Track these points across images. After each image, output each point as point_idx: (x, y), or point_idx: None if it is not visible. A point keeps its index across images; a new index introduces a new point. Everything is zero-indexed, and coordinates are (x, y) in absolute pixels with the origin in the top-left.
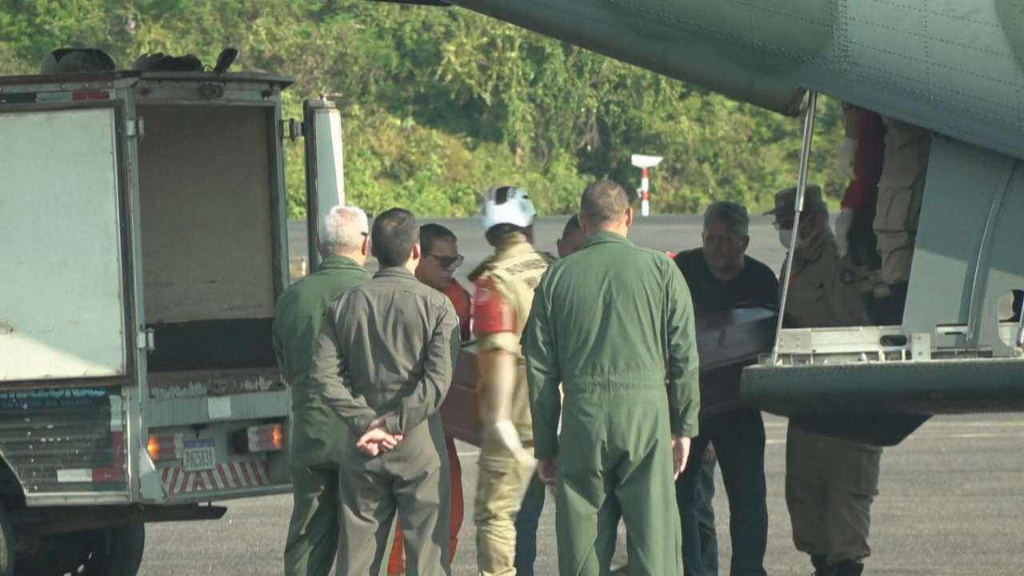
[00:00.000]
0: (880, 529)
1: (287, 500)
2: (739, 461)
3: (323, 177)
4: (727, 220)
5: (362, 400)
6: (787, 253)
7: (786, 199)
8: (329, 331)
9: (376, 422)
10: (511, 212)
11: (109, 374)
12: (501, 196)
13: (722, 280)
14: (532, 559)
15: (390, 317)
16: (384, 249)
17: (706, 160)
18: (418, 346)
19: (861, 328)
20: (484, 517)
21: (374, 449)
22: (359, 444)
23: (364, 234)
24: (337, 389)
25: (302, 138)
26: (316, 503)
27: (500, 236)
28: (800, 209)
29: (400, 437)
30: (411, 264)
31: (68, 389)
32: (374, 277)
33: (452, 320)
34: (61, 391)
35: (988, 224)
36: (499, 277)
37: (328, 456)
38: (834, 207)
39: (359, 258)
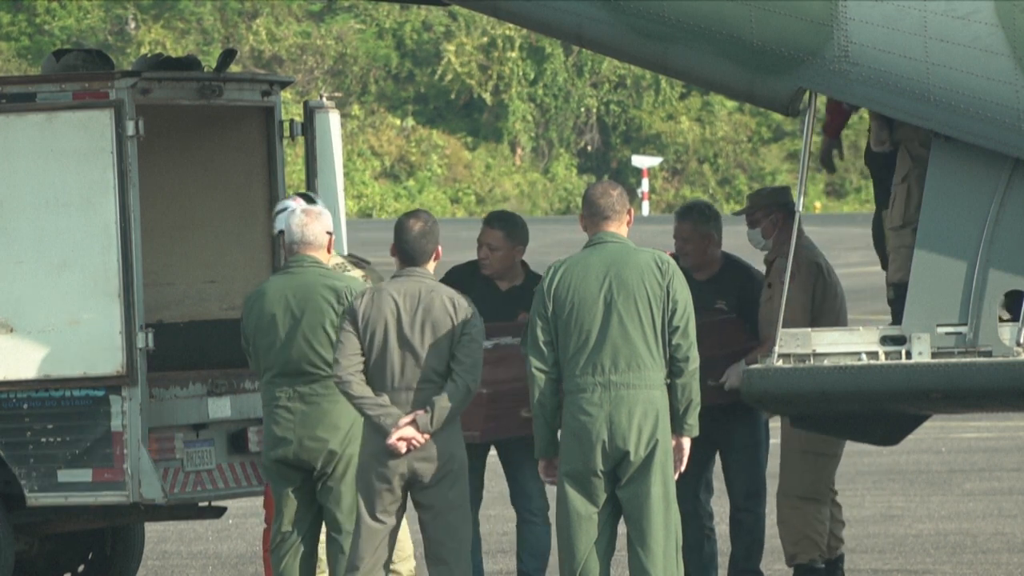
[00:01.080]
0: (880, 529)
1: None
2: (736, 463)
3: (323, 177)
4: (686, 220)
5: (386, 398)
6: (788, 256)
7: (750, 200)
8: (351, 329)
9: (406, 420)
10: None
11: (109, 374)
12: (309, 199)
13: (699, 280)
14: (476, 546)
15: (418, 316)
16: (409, 249)
17: (706, 160)
18: (445, 345)
19: (861, 328)
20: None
21: (403, 447)
22: (390, 442)
23: (329, 233)
24: (362, 387)
25: (302, 138)
26: (293, 500)
27: None
28: (800, 210)
29: (427, 436)
30: (431, 266)
31: (68, 389)
32: (393, 277)
33: (478, 321)
34: (61, 391)
35: (988, 224)
36: None
37: (295, 454)
38: (834, 207)
39: (324, 257)
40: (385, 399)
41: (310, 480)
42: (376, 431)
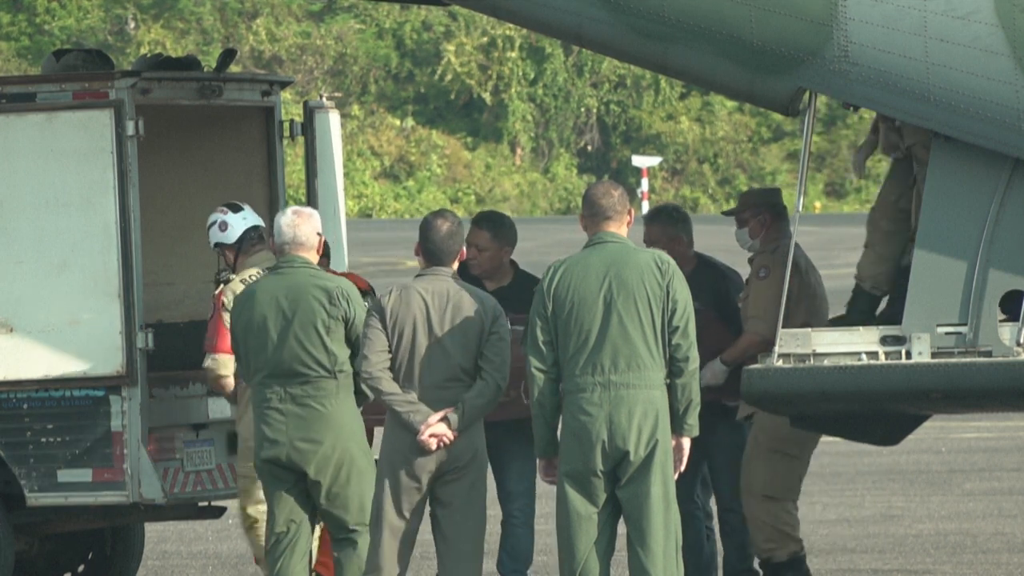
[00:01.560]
0: (880, 529)
1: None
2: (720, 463)
3: (323, 177)
4: (655, 223)
5: (414, 396)
6: (788, 256)
7: (740, 199)
8: (378, 326)
9: (436, 417)
10: (253, 217)
11: (109, 374)
12: (235, 207)
13: None
14: None
15: (447, 315)
16: (435, 249)
17: (706, 160)
18: (474, 344)
19: (861, 328)
20: (249, 523)
21: (433, 444)
22: (421, 439)
23: (319, 234)
24: (391, 384)
25: (302, 138)
26: (287, 501)
27: (245, 245)
28: (799, 209)
29: (456, 434)
30: (455, 266)
31: (68, 389)
32: (417, 276)
33: (505, 320)
34: (61, 391)
35: (988, 224)
36: (232, 292)
37: (288, 455)
38: (834, 207)
39: (314, 257)
40: (413, 396)
41: (303, 481)
42: (402, 428)
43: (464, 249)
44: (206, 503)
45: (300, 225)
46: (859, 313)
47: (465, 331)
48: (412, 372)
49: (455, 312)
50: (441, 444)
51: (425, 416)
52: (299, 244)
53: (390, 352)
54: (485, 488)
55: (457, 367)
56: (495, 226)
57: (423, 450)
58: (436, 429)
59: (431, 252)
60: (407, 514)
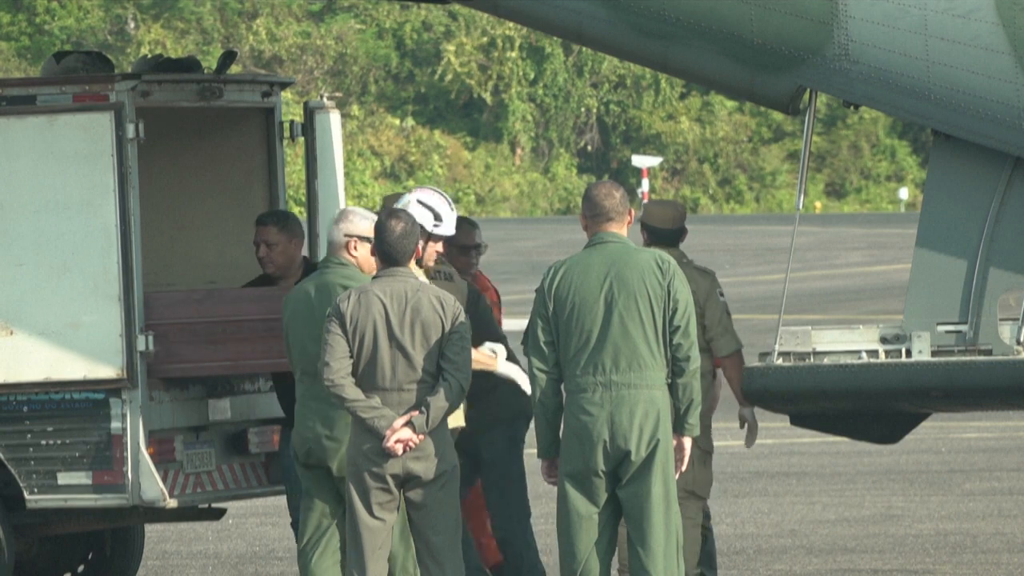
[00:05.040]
0: (880, 529)
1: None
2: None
3: (323, 177)
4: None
5: (377, 400)
6: (788, 257)
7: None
8: (339, 332)
9: (401, 422)
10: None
11: (109, 377)
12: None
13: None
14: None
15: (407, 316)
16: (391, 250)
17: (706, 160)
18: (434, 345)
19: (861, 326)
20: None
21: (400, 450)
22: (387, 445)
23: (348, 235)
24: (355, 390)
25: (302, 139)
26: (320, 497)
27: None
28: (800, 208)
29: (422, 436)
30: (412, 264)
31: (68, 392)
32: (375, 278)
33: (465, 318)
34: (61, 394)
35: (988, 223)
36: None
37: (312, 449)
38: (834, 207)
39: (348, 258)
40: (377, 401)
41: (330, 478)
42: (368, 432)
43: (420, 247)
44: (206, 505)
45: (333, 227)
46: None
47: (426, 332)
48: (374, 376)
49: (414, 313)
50: (407, 448)
51: (390, 421)
52: (330, 243)
53: (351, 357)
54: (457, 484)
55: (421, 369)
56: (281, 219)
57: (389, 454)
58: (401, 435)
59: (386, 253)
60: (380, 514)
